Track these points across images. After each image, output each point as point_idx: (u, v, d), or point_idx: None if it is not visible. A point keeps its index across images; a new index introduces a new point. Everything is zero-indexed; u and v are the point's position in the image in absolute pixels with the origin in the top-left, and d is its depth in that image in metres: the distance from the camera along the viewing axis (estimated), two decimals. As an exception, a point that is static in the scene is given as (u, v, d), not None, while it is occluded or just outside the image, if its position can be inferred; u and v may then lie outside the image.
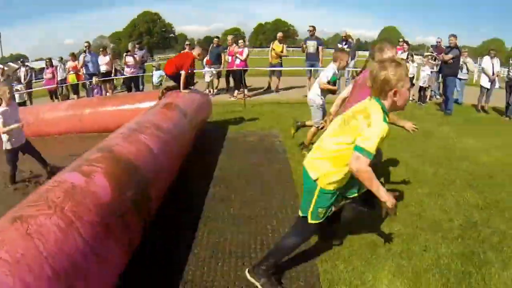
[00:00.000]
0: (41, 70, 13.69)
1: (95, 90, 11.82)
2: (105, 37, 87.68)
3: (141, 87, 12.38)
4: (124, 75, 12.13)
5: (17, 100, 11.83)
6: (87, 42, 12.43)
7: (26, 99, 12.52)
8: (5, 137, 5.26)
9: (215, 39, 12.36)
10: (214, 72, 11.83)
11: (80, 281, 2.09)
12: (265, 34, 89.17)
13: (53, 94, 13.03)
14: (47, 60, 13.34)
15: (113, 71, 12.46)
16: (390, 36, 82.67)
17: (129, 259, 2.74)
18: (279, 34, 11.96)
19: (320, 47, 10.88)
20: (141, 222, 2.99)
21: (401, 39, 12.47)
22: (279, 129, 6.91)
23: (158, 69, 12.83)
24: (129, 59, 11.85)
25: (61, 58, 13.96)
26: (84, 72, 12.20)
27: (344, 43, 11.45)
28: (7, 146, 5.30)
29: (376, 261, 3.02)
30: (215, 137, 6.66)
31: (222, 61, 11.97)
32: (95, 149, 3.36)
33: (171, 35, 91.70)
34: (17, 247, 1.88)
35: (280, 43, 11.51)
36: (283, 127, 7.03)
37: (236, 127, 7.35)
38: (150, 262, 3.06)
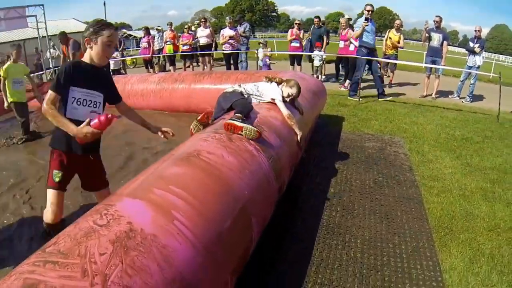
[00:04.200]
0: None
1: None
2: (207, 11, 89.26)
3: (244, 64, 11.21)
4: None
5: (112, 67, 11.71)
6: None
7: (120, 66, 12.35)
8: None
9: (316, 19, 10.90)
10: (324, 56, 10.54)
11: None
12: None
13: (148, 63, 12.67)
14: (144, 29, 12.85)
15: (213, 44, 11.61)
16: (501, 36, 73.43)
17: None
18: (397, 22, 10.14)
19: (445, 42, 8.85)
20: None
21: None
22: (402, 137, 5.57)
23: (265, 46, 11.34)
24: (227, 32, 10.47)
25: (160, 28, 13.43)
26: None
27: (475, 41, 9.28)
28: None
29: None
30: (328, 136, 5.57)
31: (324, 44, 10.61)
32: (178, 154, 2.39)
33: (273, 13, 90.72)
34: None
35: (398, 32, 9.76)
36: (406, 135, 5.70)
37: (351, 125, 6.16)
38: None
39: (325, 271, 2.68)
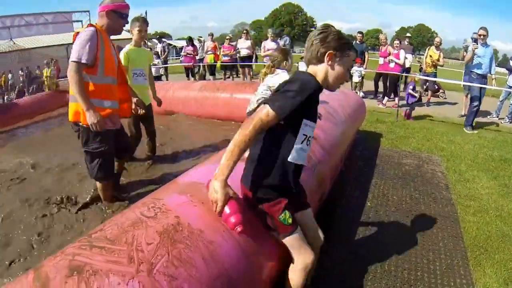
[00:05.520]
0: (182, 48, 13.72)
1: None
2: (246, 23, 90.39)
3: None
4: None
5: (153, 74, 11.84)
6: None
7: (162, 73, 12.64)
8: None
9: (359, 35, 10.89)
10: (363, 72, 10.53)
11: None
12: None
13: (189, 71, 12.92)
14: (188, 39, 13.18)
15: (253, 56, 11.79)
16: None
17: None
18: (437, 39, 9.93)
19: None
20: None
21: None
22: (440, 156, 5.55)
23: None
24: (269, 45, 10.52)
25: (201, 38, 13.77)
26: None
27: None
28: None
29: None
30: (366, 152, 5.62)
31: (366, 60, 10.63)
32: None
33: (312, 28, 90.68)
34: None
35: (437, 50, 9.62)
36: (443, 153, 5.66)
37: (388, 142, 6.18)
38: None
39: (359, 282, 2.75)
